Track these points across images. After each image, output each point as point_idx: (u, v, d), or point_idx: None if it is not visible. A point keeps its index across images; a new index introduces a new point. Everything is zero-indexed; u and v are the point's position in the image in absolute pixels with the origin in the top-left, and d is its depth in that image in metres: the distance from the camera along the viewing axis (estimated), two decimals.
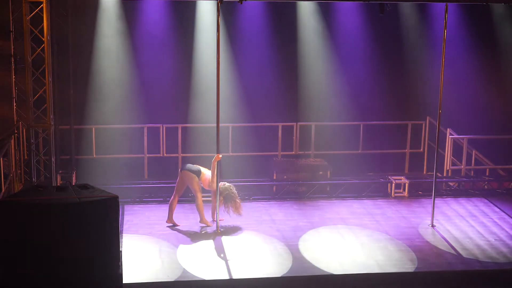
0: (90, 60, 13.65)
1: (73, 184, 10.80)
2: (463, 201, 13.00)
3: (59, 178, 12.36)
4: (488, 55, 14.83)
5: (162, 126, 13.82)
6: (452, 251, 10.62)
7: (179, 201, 12.42)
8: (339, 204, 12.70)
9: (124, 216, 11.67)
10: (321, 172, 13.56)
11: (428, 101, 14.23)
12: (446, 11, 11.08)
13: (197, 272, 9.68)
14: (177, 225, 11.42)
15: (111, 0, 13.36)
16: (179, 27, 13.97)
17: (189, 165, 11.36)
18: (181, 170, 11.37)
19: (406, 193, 13.21)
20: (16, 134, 11.81)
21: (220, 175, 11.13)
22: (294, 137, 14.35)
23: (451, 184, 13.72)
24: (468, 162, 14.10)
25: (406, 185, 13.22)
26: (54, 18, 12.04)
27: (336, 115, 14.59)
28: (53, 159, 11.91)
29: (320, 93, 14.66)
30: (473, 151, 14.15)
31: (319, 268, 9.90)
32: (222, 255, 10.29)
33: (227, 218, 11.38)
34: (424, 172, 14.66)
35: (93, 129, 13.55)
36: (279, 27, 14.32)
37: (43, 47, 11.54)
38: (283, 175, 13.52)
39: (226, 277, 9.61)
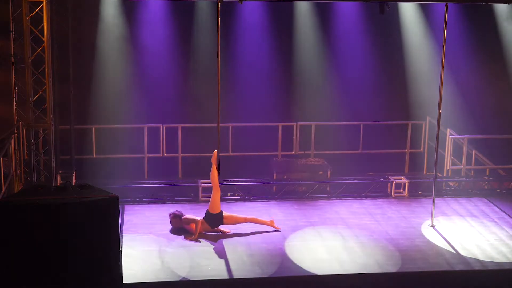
0: (90, 60, 13.65)
1: (73, 184, 10.81)
2: (463, 201, 12.99)
3: (59, 178, 12.36)
4: (488, 55, 14.81)
5: (162, 126, 13.81)
6: (452, 251, 10.62)
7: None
8: (339, 204, 12.69)
9: (124, 216, 11.66)
10: (321, 172, 13.56)
11: (428, 101, 14.23)
12: (446, 11, 11.08)
13: (197, 272, 9.68)
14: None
15: (111, 0, 13.36)
16: (179, 27, 13.97)
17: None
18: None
19: (406, 193, 13.20)
20: (16, 134, 11.80)
21: (220, 176, 11.12)
22: (294, 137, 14.35)
23: (451, 184, 13.71)
24: (468, 162, 14.09)
25: (406, 185, 13.21)
26: (54, 18, 12.03)
27: (336, 115, 14.58)
28: (53, 159, 11.90)
29: (320, 93, 14.65)
30: (473, 151, 14.14)
31: (319, 268, 9.89)
32: (222, 255, 10.28)
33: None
34: (424, 172, 14.65)
35: (93, 129, 13.55)
36: (279, 27, 14.32)
37: (43, 47, 11.53)
38: (283, 175, 13.52)
39: (226, 277, 9.61)
